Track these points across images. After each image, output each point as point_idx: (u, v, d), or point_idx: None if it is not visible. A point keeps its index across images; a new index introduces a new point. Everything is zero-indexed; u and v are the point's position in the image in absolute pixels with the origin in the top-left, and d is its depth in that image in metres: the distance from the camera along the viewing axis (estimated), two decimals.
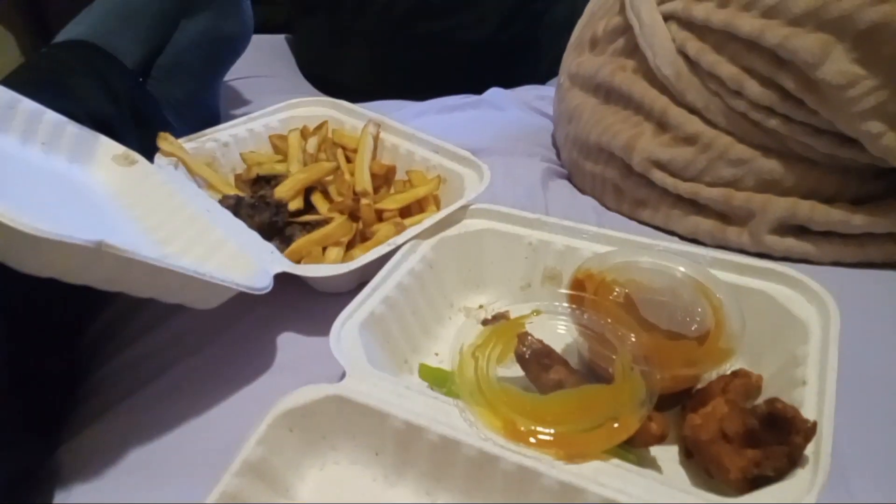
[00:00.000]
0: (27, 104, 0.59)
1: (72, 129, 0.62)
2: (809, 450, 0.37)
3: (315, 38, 1.15)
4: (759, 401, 0.42)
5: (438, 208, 0.64)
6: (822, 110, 0.58)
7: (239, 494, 0.39)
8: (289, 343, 0.55)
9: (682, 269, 0.49)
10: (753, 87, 0.60)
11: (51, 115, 0.60)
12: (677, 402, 0.46)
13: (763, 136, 0.63)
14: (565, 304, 0.47)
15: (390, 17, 1.05)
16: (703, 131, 0.66)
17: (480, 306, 0.56)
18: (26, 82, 0.65)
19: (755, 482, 0.38)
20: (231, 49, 0.92)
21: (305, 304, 0.57)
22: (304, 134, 0.73)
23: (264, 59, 1.16)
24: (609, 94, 0.75)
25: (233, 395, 0.50)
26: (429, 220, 0.56)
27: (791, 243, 0.64)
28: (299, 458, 0.42)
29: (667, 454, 0.44)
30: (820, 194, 0.64)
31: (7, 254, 0.39)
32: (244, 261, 0.53)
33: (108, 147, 0.64)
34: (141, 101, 0.78)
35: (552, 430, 0.39)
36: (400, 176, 0.69)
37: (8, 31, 1.82)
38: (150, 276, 0.44)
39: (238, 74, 1.05)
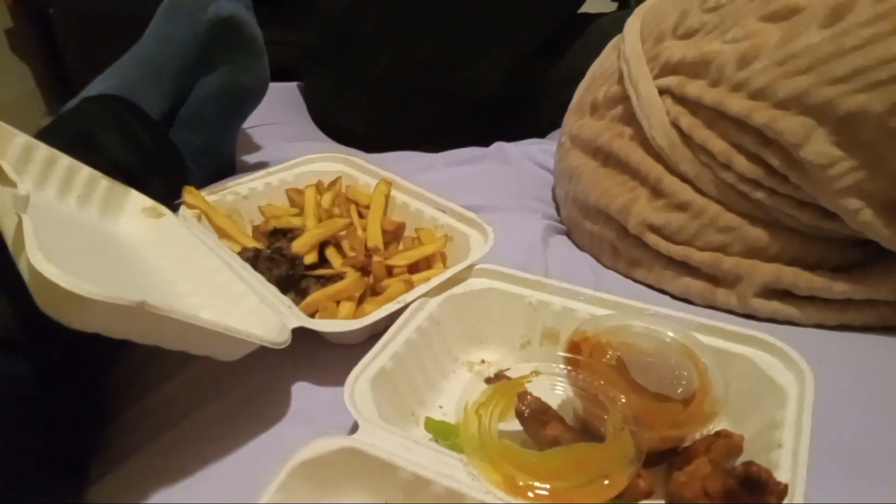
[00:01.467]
0: (65, 160, 0.63)
1: (105, 182, 0.66)
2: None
3: (322, 87, 1.20)
4: (740, 460, 0.46)
5: (445, 265, 0.68)
6: (805, 186, 0.62)
7: None
8: (302, 392, 0.58)
9: (670, 333, 0.53)
10: (741, 162, 0.65)
11: (86, 171, 0.65)
12: (664, 459, 0.49)
13: (750, 206, 0.68)
14: (562, 366, 0.50)
15: (396, 70, 1.10)
16: (694, 199, 0.70)
17: (483, 361, 0.60)
18: (58, 135, 0.69)
19: None
20: (248, 101, 0.96)
21: (318, 355, 0.61)
22: (319, 189, 0.77)
23: (276, 105, 1.21)
24: (608, 159, 0.79)
25: (249, 443, 0.54)
26: (436, 278, 0.60)
27: (776, 306, 0.68)
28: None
29: None
30: (803, 261, 0.68)
31: (56, 310, 0.43)
32: (263, 315, 0.57)
33: (138, 200, 0.68)
34: (164, 150, 0.83)
35: (548, 486, 0.42)
36: (409, 232, 0.73)
37: (22, 60, 1.88)
38: (182, 331, 0.47)
39: (251, 121, 1.10)
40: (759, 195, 0.67)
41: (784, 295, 0.69)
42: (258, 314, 0.57)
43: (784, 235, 0.68)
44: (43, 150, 0.62)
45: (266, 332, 0.53)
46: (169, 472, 0.51)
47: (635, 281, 0.76)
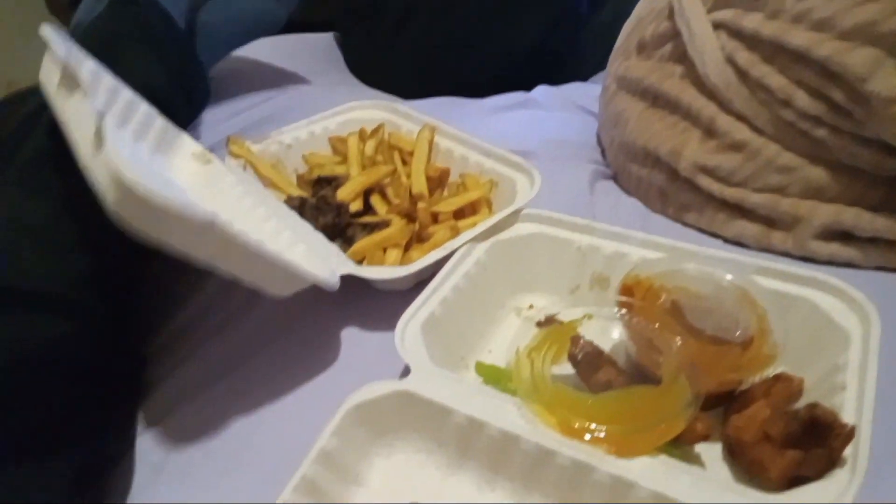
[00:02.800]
0: (127, 93, 0.63)
1: (160, 122, 0.66)
2: (847, 452, 0.40)
3: (359, 41, 1.17)
4: (800, 404, 0.45)
5: (490, 211, 0.67)
6: (870, 122, 0.59)
7: (316, 480, 0.43)
8: (351, 339, 0.59)
9: (727, 276, 0.52)
10: (802, 99, 0.62)
11: (143, 107, 0.64)
12: (720, 403, 0.48)
13: (810, 145, 0.65)
14: (615, 309, 0.49)
15: (435, 24, 1.07)
16: (750, 139, 0.67)
17: (531, 306, 0.59)
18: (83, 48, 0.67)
19: (794, 481, 0.41)
20: (267, 31, 0.91)
21: (366, 302, 0.61)
22: (362, 137, 0.76)
23: (314, 56, 1.20)
24: (656, 100, 0.76)
25: (300, 389, 0.55)
26: (482, 224, 0.59)
27: (835, 248, 0.66)
28: (368, 447, 0.46)
29: (710, 452, 0.46)
30: (865, 202, 0.65)
31: (128, 216, 0.43)
32: (314, 261, 0.57)
33: (188, 145, 0.68)
34: (190, 68, 0.78)
35: (605, 429, 0.42)
36: (453, 178, 0.72)
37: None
38: (244, 256, 0.48)
39: (290, 69, 1.09)
40: (820, 133, 0.63)
41: (844, 237, 0.66)
42: (309, 260, 0.57)
43: (846, 175, 0.65)
44: (108, 80, 0.62)
45: (319, 275, 0.53)
46: (225, 416, 0.52)
47: (685, 226, 0.74)
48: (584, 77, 1.13)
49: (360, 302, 0.61)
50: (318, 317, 0.60)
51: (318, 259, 0.57)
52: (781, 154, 0.67)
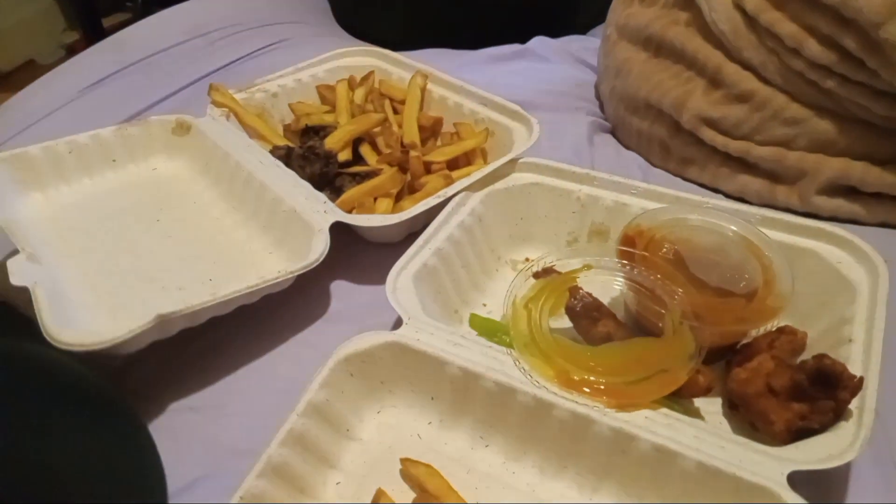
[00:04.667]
0: (75, 141, 0.64)
1: (129, 130, 0.67)
2: (854, 404, 0.38)
3: None
4: (805, 357, 0.43)
5: (486, 162, 0.64)
6: (883, 72, 0.57)
7: (304, 433, 0.41)
8: (341, 292, 0.57)
9: (732, 227, 0.50)
10: (813, 46, 0.59)
11: (103, 134, 0.66)
12: (722, 356, 0.47)
13: (820, 96, 0.62)
14: (615, 260, 0.47)
15: None
16: (757, 89, 0.65)
17: (527, 259, 0.57)
18: None
19: (798, 435, 0.39)
20: None
21: (356, 255, 0.59)
22: (352, 84, 0.73)
23: (300, 5, 1.15)
24: (660, 49, 0.74)
25: (290, 340, 0.53)
26: (478, 172, 0.57)
27: (840, 203, 0.64)
28: (359, 400, 0.45)
29: (711, 406, 0.45)
30: (873, 156, 0.63)
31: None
32: (299, 224, 0.55)
33: (163, 123, 0.68)
34: None
35: (604, 381, 0.40)
36: (447, 128, 0.69)
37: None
38: (208, 309, 0.48)
39: (277, 18, 1.05)
40: (830, 84, 0.61)
41: (849, 192, 0.64)
42: (294, 224, 0.56)
43: (854, 129, 0.63)
44: (59, 146, 0.63)
45: (302, 256, 0.52)
46: (211, 370, 0.50)
47: (687, 180, 0.72)
48: (582, 30, 1.09)
49: (351, 257, 0.59)
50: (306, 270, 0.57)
51: (304, 220, 0.55)
52: (789, 105, 0.64)
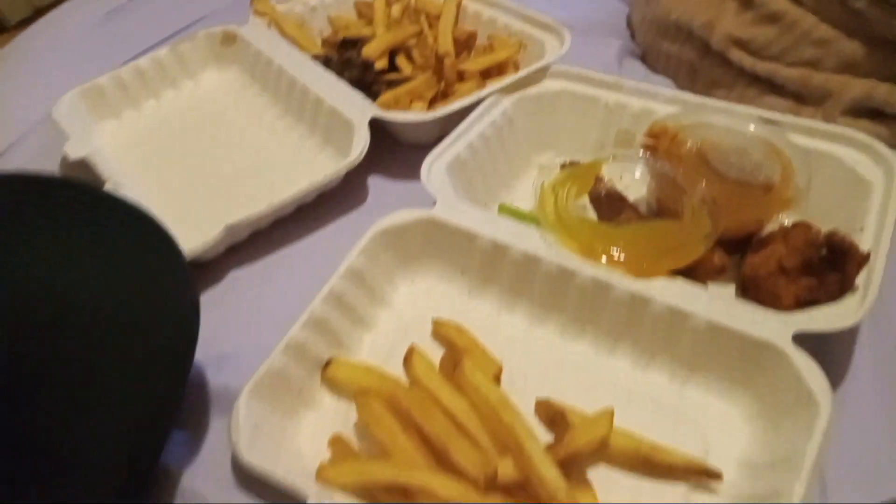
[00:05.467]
0: (133, 67, 0.68)
1: (181, 48, 0.70)
2: (860, 280, 0.41)
3: None
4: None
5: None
6: None
7: (343, 294, 0.45)
8: (378, 186, 0.60)
9: (754, 129, 0.52)
10: None
11: (158, 55, 0.69)
12: (739, 249, 0.49)
13: (848, 17, 0.63)
14: (640, 153, 0.50)
15: None
16: (787, 10, 0.66)
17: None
18: None
19: (805, 307, 0.42)
20: None
21: (391, 155, 0.62)
22: (389, 0, 0.75)
23: None
24: None
25: (330, 226, 0.57)
26: (510, 77, 0.59)
27: (864, 125, 0.65)
28: (393, 271, 0.48)
29: (724, 292, 0.48)
30: None
31: None
32: (341, 121, 0.59)
33: (209, 37, 0.71)
34: None
35: (624, 253, 0.43)
36: (481, 42, 0.71)
37: None
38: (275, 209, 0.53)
39: None
40: (859, 4, 0.61)
41: (874, 114, 0.65)
42: (336, 120, 0.59)
43: (882, 50, 0.63)
44: (124, 73, 0.67)
45: (345, 154, 0.56)
46: (261, 251, 0.54)
47: None
48: None
49: (387, 155, 0.62)
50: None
51: (345, 118, 0.58)
52: (818, 26, 0.65)
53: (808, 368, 0.37)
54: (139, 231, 0.41)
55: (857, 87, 0.64)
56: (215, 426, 0.45)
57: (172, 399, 0.41)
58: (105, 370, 0.37)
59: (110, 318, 0.38)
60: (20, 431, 0.35)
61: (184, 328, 0.41)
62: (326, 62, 0.67)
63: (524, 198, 0.57)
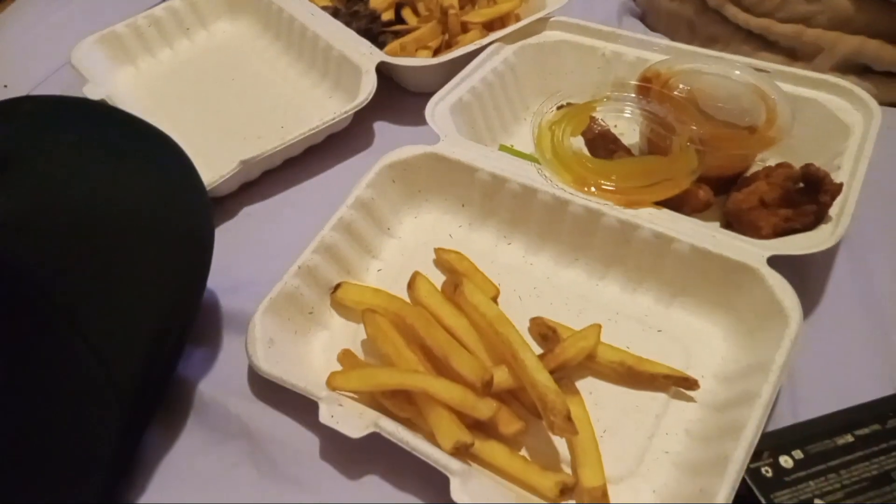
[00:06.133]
0: (149, 16, 0.71)
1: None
2: (833, 211, 0.44)
3: None
4: None
5: None
6: None
7: (351, 223, 0.48)
8: (383, 130, 0.63)
9: (742, 73, 0.54)
10: None
11: (171, 4, 0.72)
12: (726, 189, 0.52)
13: None
14: (633, 95, 0.52)
15: None
16: None
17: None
18: None
19: (783, 236, 0.45)
20: None
21: (397, 102, 0.64)
22: None
23: None
24: None
25: (337, 167, 0.60)
26: (512, 26, 0.62)
27: (852, 80, 0.67)
28: (399, 204, 0.51)
29: (708, 223, 0.50)
30: (889, 35, 0.66)
31: None
32: (349, 66, 0.61)
33: None
34: None
35: (615, 185, 0.46)
36: None
37: None
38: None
39: None
40: None
41: (862, 70, 0.68)
42: (343, 68, 0.62)
43: (872, 6, 0.66)
44: (140, 21, 0.70)
45: (350, 97, 0.59)
46: (278, 184, 0.58)
47: None
48: None
49: (392, 102, 0.64)
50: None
51: (352, 63, 0.61)
52: None
53: (781, 286, 0.40)
54: (154, 147, 0.43)
55: (848, 43, 0.67)
56: (232, 346, 0.48)
57: (189, 303, 0.43)
58: (121, 271, 0.38)
59: (129, 223, 0.39)
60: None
61: (200, 231, 0.43)
62: (335, 14, 0.69)
63: (523, 142, 0.60)
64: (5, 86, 0.72)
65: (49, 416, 0.34)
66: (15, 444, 0.33)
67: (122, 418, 0.38)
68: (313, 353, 0.46)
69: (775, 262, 0.42)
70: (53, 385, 0.35)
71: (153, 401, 0.44)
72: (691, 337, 0.44)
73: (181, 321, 0.43)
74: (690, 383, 0.41)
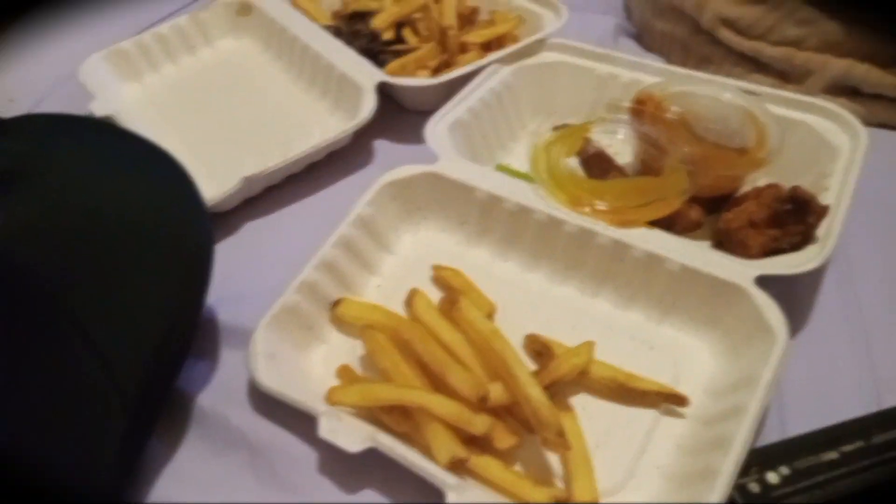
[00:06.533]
0: (152, 35, 0.73)
1: (199, 16, 0.74)
2: (822, 231, 0.45)
3: None
4: None
5: None
6: None
7: (351, 240, 0.49)
8: (382, 148, 0.64)
9: (733, 96, 0.56)
10: None
11: (176, 23, 0.73)
12: (717, 209, 0.53)
13: None
14: (627, 116, 0.54)
15: None
16: None
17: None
18: None
19: (771, 256, 0.46)
20: None
21: (396, 120, 0.66)
22: None
23: None
24: None
25: (339, 183, 0.61)
26: (510, 47, 0.63)
27: (842, 102, 0.69)
28: (398, 222, 0.53)
29: (698, 243, 0.52)
30: (877, 58, 0.68)
31: None
32: (350, 86, 0.63)
33: (228, 6, 0.75)
34: None
35: (608, 204, 0.48)
36: (483, 17, 0.75)
37: None
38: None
39: None
40: None
41: (852, 92, 0.69)
42: (345, 87, 0.64)
43: (860, 31, 0.68)
44: (146, 38, 0.71)
45: (354, 116, 0.60)
46: (280, 201, 0.59)
47: None
48: None
49: (392, 120, 0.66)
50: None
51: (354, 83, 0.62)
52: (802, 7, 0.69)
53: (767, 305, 0.41)
54: (156, 163, 0.45)
55: (837, 66, 0.68)
56: (232, 358, 0.49)
57: (190, 312, 0.44)
58: (125, 279, 0.39)
59: (131, 233, 0.40)
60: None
61: (198, 240, 0.44)
62: (336, 33, 0.71)
63: (520, 160, 0.61)
64: (12, 100, 0.73)
65: (55, 420, 0.35)
66: (21, 448, 0.34)
67: (127, 424, 0.39)
68: (312, 367, 0.47)
69: (763, 281, 0.43)
70: (59, 389, 0.36)
71: (156, 409, 0.45)
72: (681, 352, 0.45)
73: (183, 330, 0.44)
74: (680, 400, 0.42)
